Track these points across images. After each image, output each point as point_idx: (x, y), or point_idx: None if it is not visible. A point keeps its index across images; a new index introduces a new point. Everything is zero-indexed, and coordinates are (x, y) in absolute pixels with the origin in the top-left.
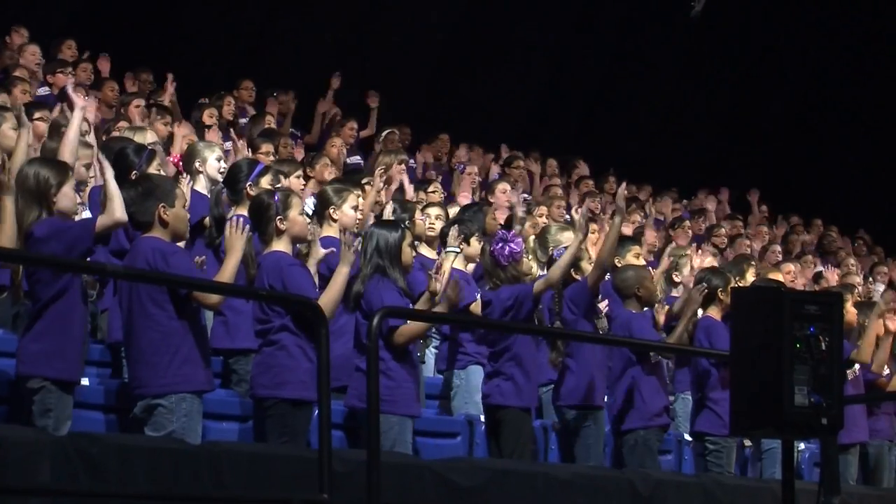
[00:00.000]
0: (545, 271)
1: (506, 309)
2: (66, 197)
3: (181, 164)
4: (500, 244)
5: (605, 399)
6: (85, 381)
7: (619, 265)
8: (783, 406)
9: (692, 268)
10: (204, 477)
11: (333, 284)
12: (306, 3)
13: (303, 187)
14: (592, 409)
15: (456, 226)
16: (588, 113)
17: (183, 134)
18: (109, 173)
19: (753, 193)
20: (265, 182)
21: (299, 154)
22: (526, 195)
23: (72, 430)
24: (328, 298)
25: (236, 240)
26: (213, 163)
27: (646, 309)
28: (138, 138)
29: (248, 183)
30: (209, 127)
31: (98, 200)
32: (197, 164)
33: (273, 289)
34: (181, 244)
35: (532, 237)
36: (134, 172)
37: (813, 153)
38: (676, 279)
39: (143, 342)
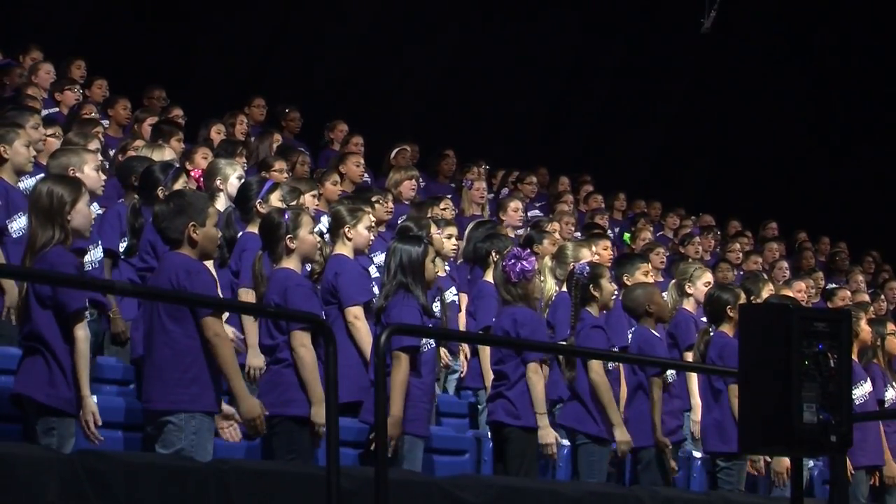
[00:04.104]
0: (563, 288)
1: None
2: (81, 214)
3: (202, 180)
4: (513, 261)
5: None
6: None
7: (629, 283)
8: (792, 424)
9: (707, 282)
10: (212, 494)
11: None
12: (313, 22)
13: (316, 206)
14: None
15: None
16: (596, 129)
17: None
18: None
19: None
20: (275, 199)
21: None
22: (538, 212)
23: (82, 448)
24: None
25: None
26: (235, 181)
27: (658, 326)
28: (156, 156)
29: (258, 200)
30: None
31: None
32: (218, 182)
33: (279, 306)
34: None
35: (549, 256)
36: (160, 189)
37: (822, 169)
38: (689, 290)
39: (157, 358)
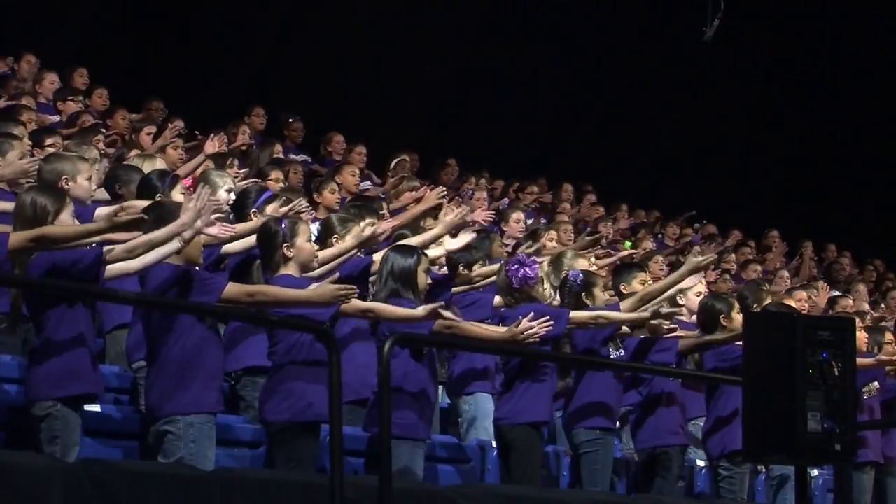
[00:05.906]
0: (558, 295)
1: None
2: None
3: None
4: (516, 266)
5: (618, 423)
6: (96, 408)
7: (625, 292)
8: (796, 432)
9: (699, 293)
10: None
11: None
12: (314, 32)
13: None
14: (601, 432)
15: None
16: (597, 138)
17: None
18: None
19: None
20: (271, 209)
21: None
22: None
23: (86, 457)
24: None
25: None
26: (223, 194)
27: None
28: (147, 166)
29: (254, 209)
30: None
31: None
32: None
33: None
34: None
35: (545, 262)
36: (159, 196)
37: (826, 178)
38: (681, 301)
39: (154, 366)
